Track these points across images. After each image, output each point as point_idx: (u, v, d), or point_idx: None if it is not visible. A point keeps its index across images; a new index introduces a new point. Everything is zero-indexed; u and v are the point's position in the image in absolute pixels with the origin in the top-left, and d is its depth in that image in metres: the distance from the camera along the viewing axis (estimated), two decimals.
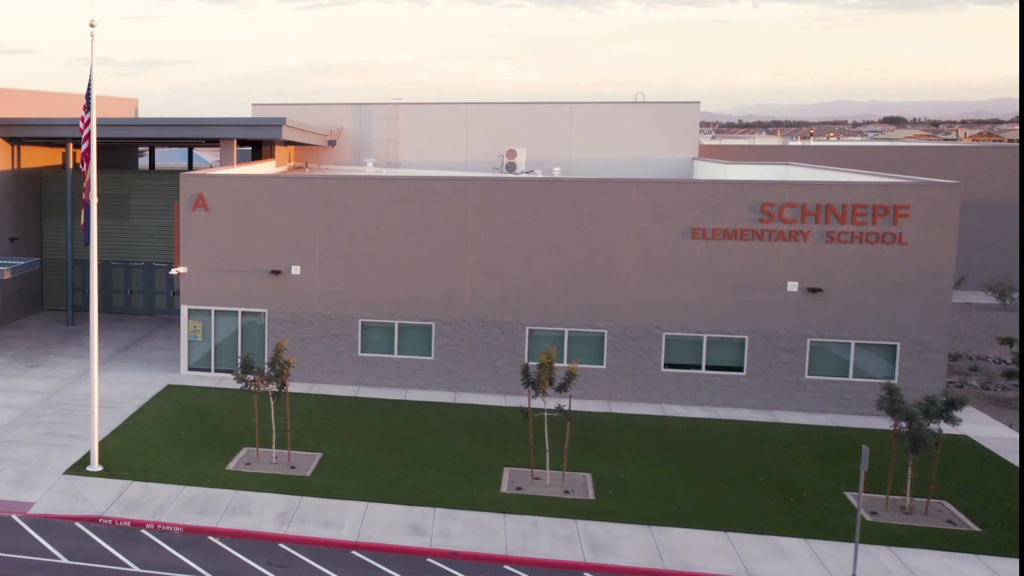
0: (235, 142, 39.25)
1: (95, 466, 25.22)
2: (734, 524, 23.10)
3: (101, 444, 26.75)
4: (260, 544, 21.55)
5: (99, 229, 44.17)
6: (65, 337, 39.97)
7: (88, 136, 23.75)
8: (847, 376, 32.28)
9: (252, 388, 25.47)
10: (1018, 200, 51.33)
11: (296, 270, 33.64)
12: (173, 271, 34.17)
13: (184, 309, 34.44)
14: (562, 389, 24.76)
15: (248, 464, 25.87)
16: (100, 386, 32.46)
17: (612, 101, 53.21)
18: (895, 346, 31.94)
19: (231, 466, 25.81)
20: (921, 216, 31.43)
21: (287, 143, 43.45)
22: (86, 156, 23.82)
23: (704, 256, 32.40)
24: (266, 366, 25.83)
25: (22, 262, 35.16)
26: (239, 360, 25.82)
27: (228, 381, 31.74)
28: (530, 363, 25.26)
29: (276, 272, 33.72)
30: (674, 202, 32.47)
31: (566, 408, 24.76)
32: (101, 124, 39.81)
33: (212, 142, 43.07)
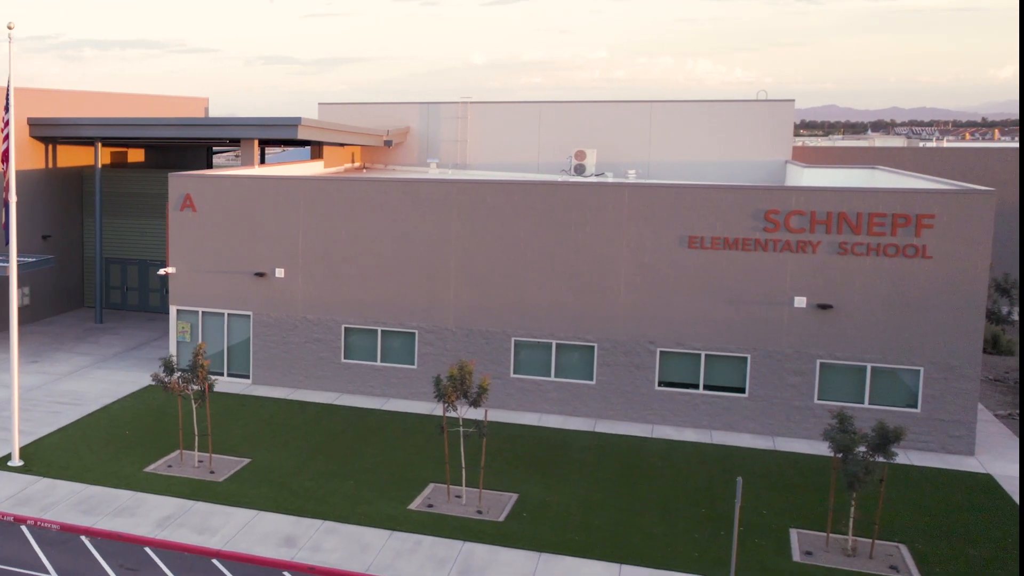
0: (256, 142, 40.83)
1: (16, 461, 26.84)
2: (637, 557, 22.40)
3: (42, 440, 28.72)
4: (126, 546, 22.38)
5: (139, 229, 47.41)
6: (85, 335, 42.59)
7: (6, 137, 25.43)
8: (862, 403, 30.74)
9: (172, 390, 26.60)
10: (1018, 200, 47.41)
11: (280, 273, 34.72)
12: (161, 271, 35.96)
13: (173, 310, 36.16)
14: (475, 404, 24.76)
15: (170, 467, 26.97)
16: (81, 383, 34.82)
17: (697, 100, 52.46)
18: (918, 371, 30.22)
19: (151, 468, 26.90)
20: (948, 227, 29.61)
21: (306, 143, 44.82)
22: (4, 156, 25.51)
23: (702, 267, 31.51)
24: (180, 369, 26.92)
25: (33, 259, 37.69)
26: (160, 361, 27.03)
27: None
28: (442, 375, 25.26)
29: (260, 275, 34.93)
30: (669, 208, 31.70)
31: (482, 422, 24.72)
32: (113, 124, 42.52)
33: (235, 142, 44.99)
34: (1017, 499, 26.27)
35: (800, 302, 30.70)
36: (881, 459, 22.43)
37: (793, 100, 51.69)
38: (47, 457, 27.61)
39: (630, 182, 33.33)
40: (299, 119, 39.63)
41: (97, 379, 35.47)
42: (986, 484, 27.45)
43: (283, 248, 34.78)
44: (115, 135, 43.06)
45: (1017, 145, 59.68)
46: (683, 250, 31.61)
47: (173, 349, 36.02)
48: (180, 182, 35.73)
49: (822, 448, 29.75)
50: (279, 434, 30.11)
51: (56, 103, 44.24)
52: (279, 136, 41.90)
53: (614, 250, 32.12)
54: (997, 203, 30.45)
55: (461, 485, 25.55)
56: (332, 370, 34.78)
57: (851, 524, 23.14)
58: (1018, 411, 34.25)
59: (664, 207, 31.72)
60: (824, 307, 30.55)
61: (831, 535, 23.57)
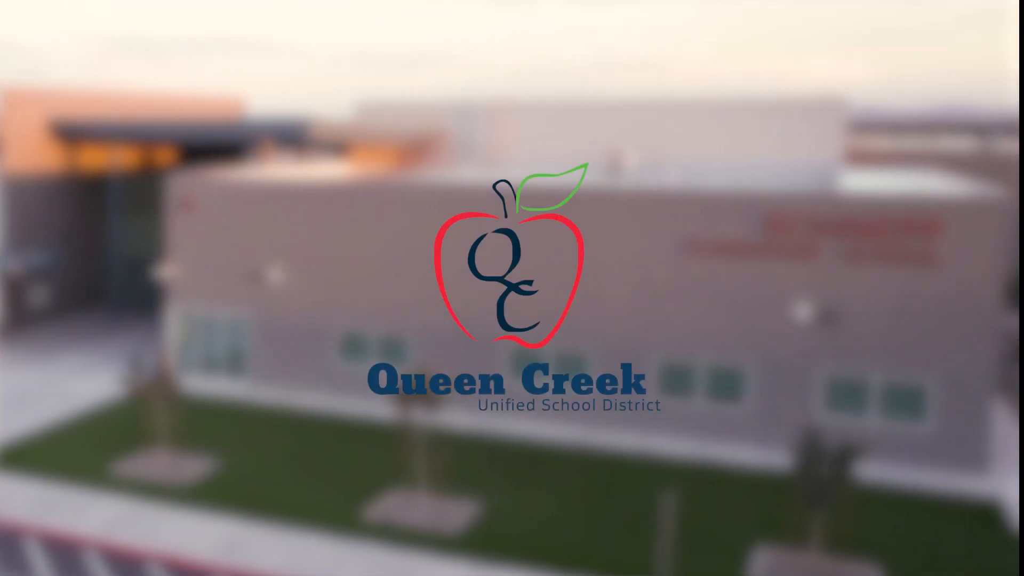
0: (269, 144, 41.66)
1: None
2: (586, 573, 22.51)
3: (20, 438, 29.59)
4: (66, 547, 23.07)
5: (163, 230, 48.68)
6: (100, 334, 43.68)
7: None
8: (867, 416, 30.15)
9: (138, 393, 27.39)
10: (1018, 202, 45.72)
11: (277, 275, 35.32)
12: (160, 272, 36.96)
13: (170, 310, 37.11)
14: (431, 407, 25.00)
15: (139, 468, 27.56)
16: (80, 382, 35.84)
17: (745, 98, 51.95)
18: (926, 384, 29.54)
19: (119, 468, 27.37)
20: (959, 234, 28.85)
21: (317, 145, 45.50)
22: None
23: (700, 274, 31.18)
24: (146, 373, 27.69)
25: (39, 258, 39.12)
26: (130, 363, 27.83)
27: (200, 384, 34.61)
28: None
29: (257, 277, 35.67)
30: (666, 214, 31.44)
31: (446, 427, 24.97)
32: (113, 127, 43.80)
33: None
34: (1017, 524, 25.49)
35: (802, 311, 30.17)
36: (845, 476, 22.06)
37: (845, 99, 50.84)
38: (19, 455, 28.50)
39: (625, 187, 33.11)
40: (304, 124, 40.22)
41: (98, 378, 36.29)
42: (990, 506, 26.55)
43: (281, 250, 35.38)
44: (119, 138, 44.45)
45: None
46: (680, 257, 31.28)
47: (171, 350, 36.96)
48: (180, 183, 36.67)
49: None
50: (260, 437, 30.57)
51: (77, 104, 45.68)
52: (288, 140, 42.54)
53: (609, 256, 31.97)
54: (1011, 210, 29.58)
55: (425, 493, 25.79)
56: (329, 373, 35.23)
57: (816, 543, 22.75)
58: None
59: (661, 213, 31.51)
60: (828, 317, 30.02)
61: (799, 554, 23.20)
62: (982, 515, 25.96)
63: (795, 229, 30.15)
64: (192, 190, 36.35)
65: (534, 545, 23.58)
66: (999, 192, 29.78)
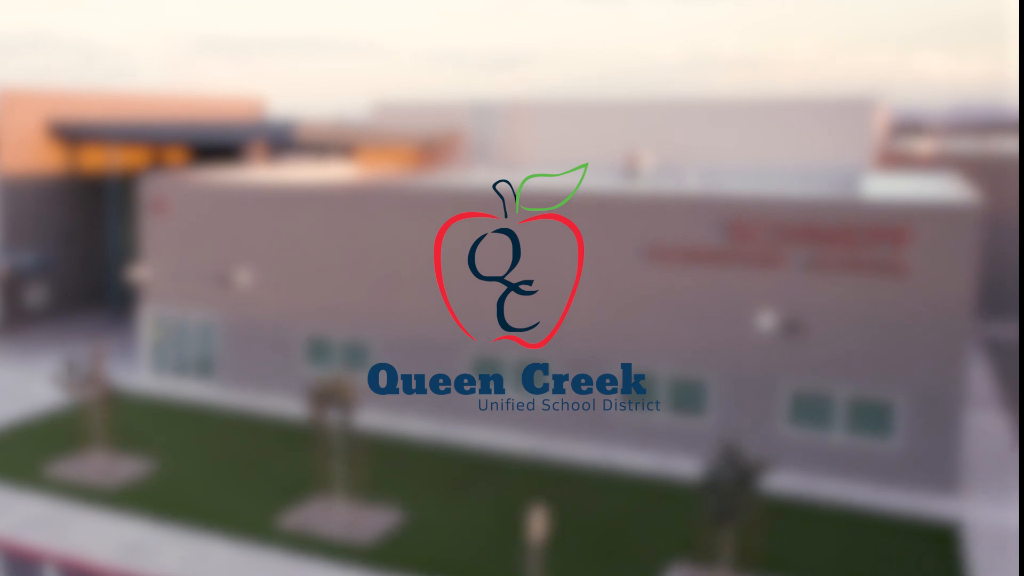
0: (261, 145, 42.29)
1: None
2: None
3: None
4: None
5: None
6: (92, 335, 44.73)
7: None
8: (832, 432, 29.53)
9: (72, 394, 28.05)
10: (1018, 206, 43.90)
11: (245, 278, 35.88)
12: (133, 273, 37.80)
13: (144, 312, 37.92)
14: (344, 414, 25.21)
15: (71, 469, 28.20)
16: (48, 385, 36.90)
17: (767, 100, 51.26)
18: (894, 400, 28.83)
19: (55, 468, 28.06)
20: (928, 243, 28.08)
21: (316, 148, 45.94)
22: None
23: (659, 282, 30.79)
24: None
25: (30, 258, 40.28)
26: (66, 365, 28.55)
27: (171, 386, 35.46)
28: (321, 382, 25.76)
29: (225, 279, 36.27)
30: (624, 219, 31.16)
31: (357, 433, 25.13)
32: (106, 128, 44.87)
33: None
34: (972, 549, 24.73)
35: (766, 322, 29.66)
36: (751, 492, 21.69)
37: (877, 99, 49.84)
38: None
39: (581, 191, 32.80)
40: (291, 126, 40.64)
41: None
42: (951, 529, 25.71)
43: (249, 254, 35.96)
44: (112, 138, 45.51)
45: None
46: (638, 264, 30.92)
47: (146, 351, 37.82)
48: (153, 185, 37.47)
49: (784, 482, 28.68)
50: (210, 440, 30.97)
51: (78, 105, 46.90)
52: (278, 141, 43.07)
53: (565, 262, 31.76)
54: (984, 218, 28.73)
55: (345, 500, 25.98)
56: (295, 377, 35.65)
57: (725, 561, 22.42)
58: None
59: (618, 218, 31.19)
60: (792, 328, 29.49)
61: (709, 572, 22.91)
62: (940, 537, 25.17)
63: (758, 236, 29.64)
64: (164, 192, 37.11)
65: (439, 558, 23.54)
66: (971, 198, 28.89)
